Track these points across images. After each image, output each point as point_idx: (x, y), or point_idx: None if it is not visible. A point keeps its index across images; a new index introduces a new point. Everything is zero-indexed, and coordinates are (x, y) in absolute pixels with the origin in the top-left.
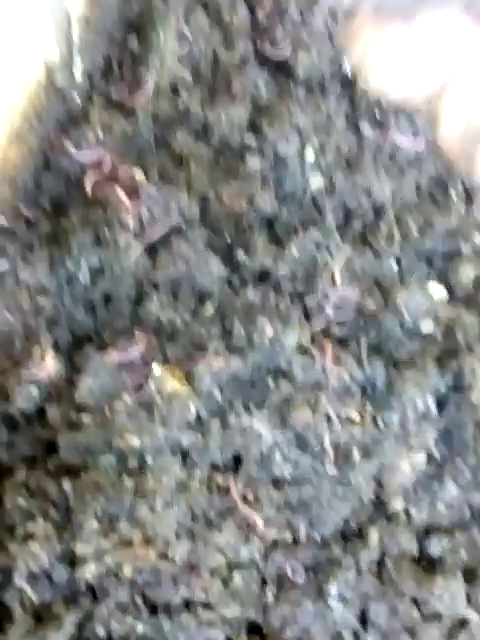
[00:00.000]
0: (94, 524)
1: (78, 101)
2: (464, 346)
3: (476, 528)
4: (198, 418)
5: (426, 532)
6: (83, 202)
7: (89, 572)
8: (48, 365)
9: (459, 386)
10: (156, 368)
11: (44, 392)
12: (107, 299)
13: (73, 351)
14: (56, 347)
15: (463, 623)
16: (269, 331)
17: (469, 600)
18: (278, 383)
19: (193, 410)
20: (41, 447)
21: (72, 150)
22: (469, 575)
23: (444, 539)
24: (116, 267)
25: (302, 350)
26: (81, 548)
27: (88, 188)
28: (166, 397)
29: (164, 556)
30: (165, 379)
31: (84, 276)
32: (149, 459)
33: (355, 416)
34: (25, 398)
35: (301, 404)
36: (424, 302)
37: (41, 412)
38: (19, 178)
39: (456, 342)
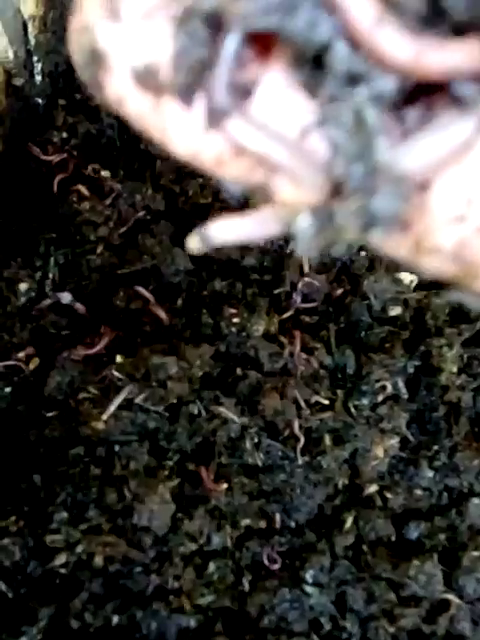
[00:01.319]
0: (63, 513)
1: (40, 102)
2: (433, 329)
3: (455, 512)
4: (166, 406)
5: (404, 517)
6: (50, 202)
7: (60, 562)
8: (22, 363)
9: (429, 369)
10: (120, 358)
11: (17, 389)
12: (76, 296)
13: (44, 348)
14: (28, 345)
15: (443, 606)
16: (236, 320)
17: (449, 583)
18: (246, 371)
19: (159, 397)
20: (13, 445)
21: (38, 152)
22: (448, 558)
23: (422, 524)
24: (84, 264)
25: (270, 338)
26: (52, 538)
27: (55, 188)
28: (131, 385)
29: (135, 544)
30: (130, 369)
31: (53, 274)
32: (116, 447)
33: (325, 402)
34: None
35: (269, 391)
36: (392, 287)
37: (12, 410)
38: None
39: (425, 326)
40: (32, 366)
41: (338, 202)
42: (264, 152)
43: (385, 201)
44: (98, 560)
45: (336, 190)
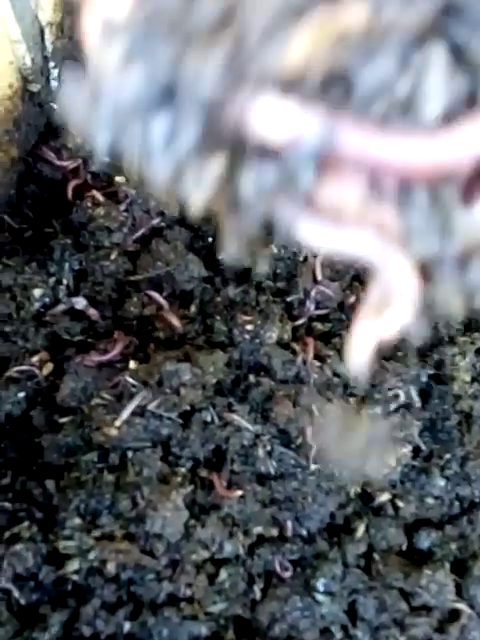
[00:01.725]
0: (76, 520)
1: (56, 108)
2: (446, 338)
3: (466, 521)
4: (179, 412)
5: (415, 525)
6: (65, 208)
7: (73, 569)
8: (35, 369)
9: (442, 378)
10: (133, 364)
11: (30, 395)
12: (90, 301)
13: (58, 354)
14: (41, 350)
15: (454, 615)
16: (249, 327)
17: (460, 593)
18: (259, 379)
19: (172, 404)
20: (26, 450)
21: (53, 157)
22: (459, 567)
23: (433, 533)
24: (97, 270)
25: (283, 346)
26: (64, 545)
27: (69, 194)
28: (144, 392)
29: (147, 551)
30: (144, 376)
31: (67, 279)
32: (129, 454)
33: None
34: (12, 402)
35: (282, 399)
36: None
37: (25, 416)
38: (0, 187)
39: (438, 334)
40: (45, 371)
41: (433, 285)
42: (349, 250)
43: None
44: (110, 567)
45: (426, 273)
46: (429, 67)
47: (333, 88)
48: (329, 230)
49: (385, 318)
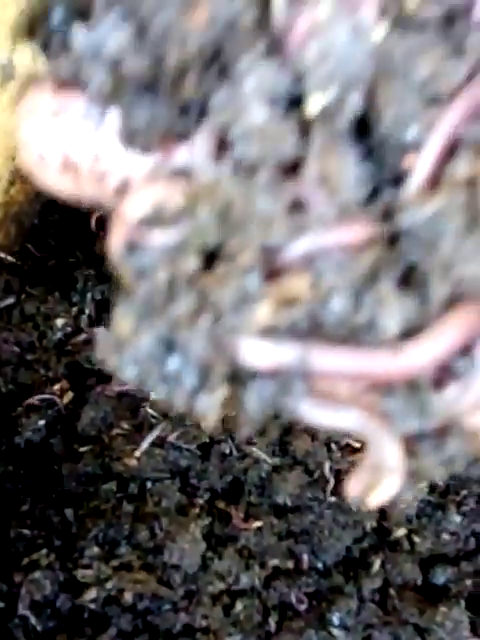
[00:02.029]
0: (95, 549)
1: None
2: None
3: None
4: (198, 444)
5: (430, 561)
6: (88, 238)
7: (90, 597)
8: (56, 398)
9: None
10: (153, 396)
11: (50, 423)
12: None
13: (78, 383)
14: (62, 379)
15: None
16: None
17: (475, 629)
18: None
19: (192, 436)
20: (45, 478)
21: None
22: (475, 604)
23: (449, 568)
24: None
25: None
26: (82, 573)
27: (93, 225)
28: (164, 423)
29: (164, 582)
30: (164, 406)
31: (90, 309)
32: (148, 484)
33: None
34: (32, 430)
35: (301, 432)
36: None
37: (45, 444)
38: (25, 216)
39: None
40: (66, 400)
41: (417, 457)
42: (341, 426)
43: (456, 444)
44: (127, 596)
45: (411, 447)
46: (382, 300)
47: (302, 324)
48: (325, 412)
49: (376, 486)
